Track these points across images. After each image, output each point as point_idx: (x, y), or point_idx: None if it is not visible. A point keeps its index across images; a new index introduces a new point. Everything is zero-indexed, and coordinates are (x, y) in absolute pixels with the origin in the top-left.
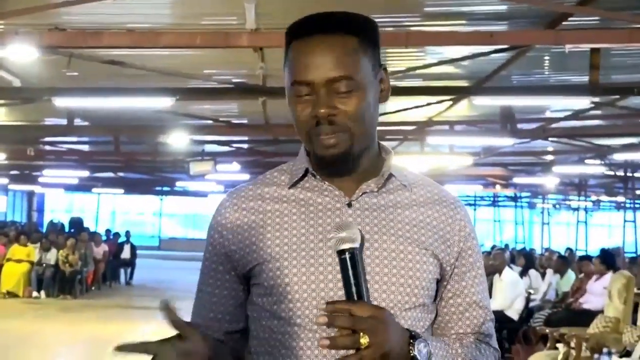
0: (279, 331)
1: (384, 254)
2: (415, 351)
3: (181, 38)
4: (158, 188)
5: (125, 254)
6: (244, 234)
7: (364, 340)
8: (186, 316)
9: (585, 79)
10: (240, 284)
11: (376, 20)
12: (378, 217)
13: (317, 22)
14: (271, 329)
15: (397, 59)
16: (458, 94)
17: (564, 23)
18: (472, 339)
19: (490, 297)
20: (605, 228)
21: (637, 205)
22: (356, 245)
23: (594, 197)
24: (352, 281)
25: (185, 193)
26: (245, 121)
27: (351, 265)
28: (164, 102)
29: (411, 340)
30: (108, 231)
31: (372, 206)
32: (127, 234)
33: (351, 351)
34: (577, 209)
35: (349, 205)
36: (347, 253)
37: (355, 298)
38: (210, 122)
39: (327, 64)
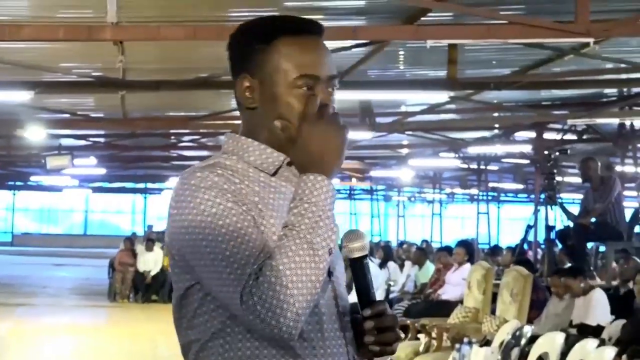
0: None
1: None
2: None
3: (43, 31)
4: (11, 182)
5: None
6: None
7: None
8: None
9: (441, 73)
10: None
11: (234, 14)
12: None
13: (305, 23)
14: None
15: None
16: None
17: (422, 19)
18: None
19: (352, 289)
20: (459, 220)
21: (490, 198)
22: (367, 252)
23: (448, 190)
24: (370, 285)
25: (39, 187)
26: (102, 115)
27: (367, 270)
28: (21, 96)
29: None
30: None
31: None
32: None
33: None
34: (432, 202)
35: None
36: (363, 260)
37: (373, 299)
38: (67, 115)
39: (329, 63)
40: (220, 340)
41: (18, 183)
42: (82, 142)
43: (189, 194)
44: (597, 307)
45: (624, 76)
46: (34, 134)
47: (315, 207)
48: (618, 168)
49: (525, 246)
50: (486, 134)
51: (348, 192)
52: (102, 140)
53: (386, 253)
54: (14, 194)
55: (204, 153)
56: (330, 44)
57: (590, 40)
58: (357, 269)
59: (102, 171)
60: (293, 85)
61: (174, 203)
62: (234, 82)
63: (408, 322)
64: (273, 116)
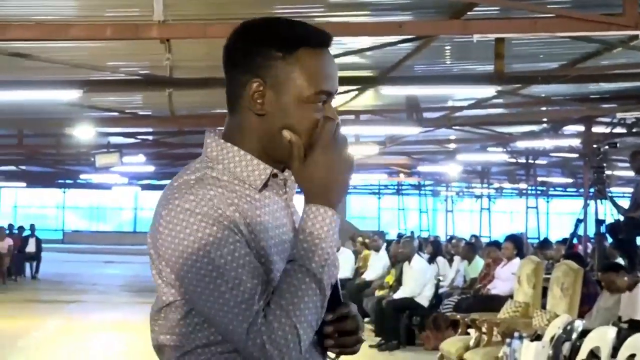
0: None
1: None
2: None
3: (90, 30)
4: (61, 181)
5: (31, 247)
6: (254, 231)
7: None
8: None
9: (488, 67)
10: None
11: (279, 11)
12: None
13: (324, 35)
14: None
15: None
16: (364, 84)
17: (468, 13)
18: None
19: (401, 284)
20: (508, 215)
21: (538, 192)
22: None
23: (496, 185)
24: (336, 286)
25: (89, 185)
26: (150, 113)
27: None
28: (70, 95)
29: None
30: (11, 226)
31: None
32: (32, 227)
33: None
34: (480, 197)
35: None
36: None
37: (337, 302)
38: (115, 113)
39: (337, 78)
40: (203, 357)
41: (68, 181)
42: (131, 140)
43: (183, 218)
44: None
45: None
46: (83, 133)
47: (324, 243)
48: None
49: (575, 240)
50: (534, 128)
51: (396, 187)
52: (150, 137)
53: (435, 248)
54: (64, 192)
55: None
56: (376, 40)
57: (639, 32)
58: None
59: (150, 168)
60: (309, 100)
61: (166, 224)
62: (234, 81)
63: (458, 317)
64: (280, 126)
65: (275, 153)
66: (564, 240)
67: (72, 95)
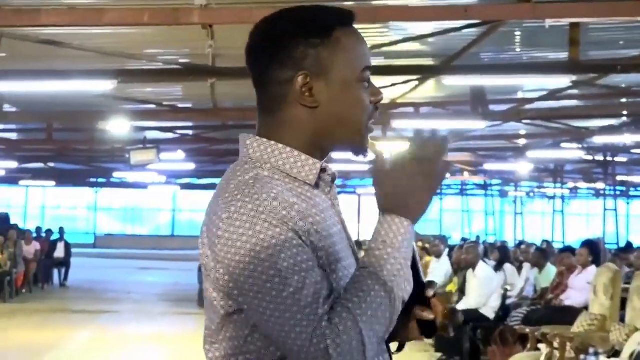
0: None
1: None
2: None
3: (126, 15)
4: (93, 179)
5: (59, 252)
6: (320, 228)
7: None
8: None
9: (562, 56)
10: None
11: None
12: None
13: (352, 12)
14: None
15: None
16: (424, 73)
17: None
18: None
19: (464, 294)
20: (584, 217)
21: (618, 193)
22: None
23: (571, 184)
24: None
25: (123, 185)
26: (190, 105)
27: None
28: (104, 85)
29: None
30: (39, 229)
31: None
32: (61, 230)
33: None
34: (552, 197)
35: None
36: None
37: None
38: (152, 106)
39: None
40: None
41: (100, 180)
42: (169, 135)
43: (246, 220)
44: None
45: None
46: (117, 127)
47: (397, 253)
48: None
49: None
50: (613, 122)
51: (460, 187)
52: (190, 132)
53: (502, 254)
54: (96, 192)
55: None
56: (439, 25)
57: None
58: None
59: (190, 166)
60: (358, 79)
61: (226, 227)
62: (273, 81)
63: (527, 330)
64: (336, 113)
65: (332, 142)
66: None
67: (106, 86)
